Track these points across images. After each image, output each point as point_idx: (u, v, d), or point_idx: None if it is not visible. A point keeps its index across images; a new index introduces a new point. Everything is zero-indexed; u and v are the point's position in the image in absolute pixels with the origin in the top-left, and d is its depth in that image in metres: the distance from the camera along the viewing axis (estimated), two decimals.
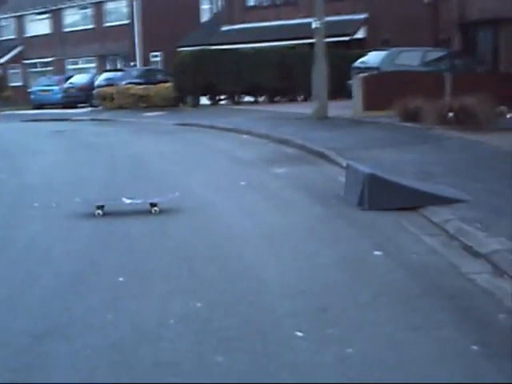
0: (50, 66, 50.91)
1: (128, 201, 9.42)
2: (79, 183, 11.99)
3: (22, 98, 44.36)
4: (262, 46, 32.23)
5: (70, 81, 39.05)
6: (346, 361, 4.47)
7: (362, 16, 33.52)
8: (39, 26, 51.31)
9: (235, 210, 9.40)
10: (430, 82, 20.27)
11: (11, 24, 53.78)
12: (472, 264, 6.46)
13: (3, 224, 9.06)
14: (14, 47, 52.81)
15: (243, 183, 11.28)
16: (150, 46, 45.37)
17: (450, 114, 16.17)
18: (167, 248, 7.43)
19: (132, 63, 44.39)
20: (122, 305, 5.64)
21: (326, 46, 20.84)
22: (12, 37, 53.43)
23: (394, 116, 18.25)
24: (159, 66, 43.83)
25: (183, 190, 10.27)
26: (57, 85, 39.22)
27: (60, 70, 48.76)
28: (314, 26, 20.51)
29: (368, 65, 23.81)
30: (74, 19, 49.93)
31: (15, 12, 52.94)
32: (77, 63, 49.50)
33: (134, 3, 45.26)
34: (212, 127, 21.06)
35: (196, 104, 29.79)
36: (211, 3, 46.98)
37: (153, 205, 9.20)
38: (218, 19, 40.58)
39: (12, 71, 52.38)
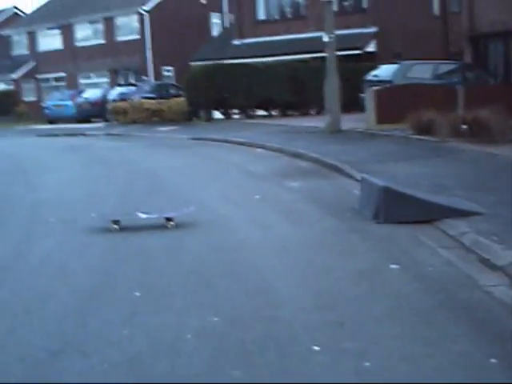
0: (62, 81, 51.09)
1: (143, 215, 9.45)
2: (94, 198, 12.03)
3: (36, 113, 44.54)
4: (272, 60, 32.30)
5: (84, 95, 39.21)
6: (363, 374, 4.47)
7: (372, 29, 33.54)
8: (51, 41, 51.51)
9: (250, 223, 9.41)
10: (443, 95, 20.26)
11: (24, 39, 54.02)
12: (489, 276, 6.44)
13: (19, 239, 9.09)
14: (27, 62, 53.04)
15: (257, 197, 11.29)
16: (161, 60, 45.53)
17: (464, 127, 16.14)
18: (183, 262, 7.44)
19: (145, 78, 44.54)
20: (139, 320, 5.65)
21: (337, 59, 20.88)
22: (25, 52, 53.69)
23: (407, 129, 18.24)
24: (171, 81, 43.93)
25: (198, 204, 10.29)
26: (70, 99, 39.36)
27: (73, 84, 48.94)
28: (324, 39, 20.54)
29: (380, 78, 23.82)
30: (86, 34, 50.15)
31: (28, 28, 53.25)
32: (89, 78, 49.68)
33: (145, 18, 45.45)
34: (225, 141, 21.08)
35: (209, 118, 29.86)
36: (222, 18, 47.23)
37: (168, 219, 9.22)
38: (228, 33, 40.71)
39: (25, 86, 52.63)
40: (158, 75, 45.29)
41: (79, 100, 38.52)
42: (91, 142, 24.61)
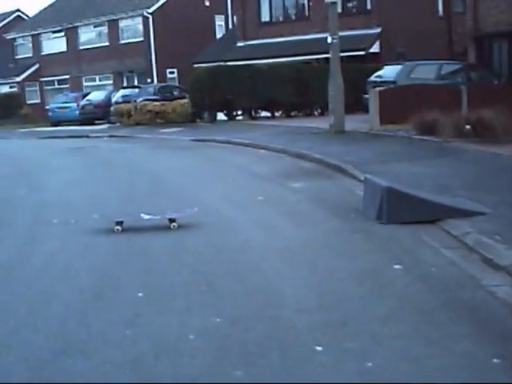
0: (66, 84, 51.17)
1: (147, 216, 9.45)
2: (98, 199, 12.04)
3: (40, 116, 44.64)
4: (276, 62, 32.31)
5: (87, 98, 39.21)
6: (366, 374, 4.46)
7: (376, 30, 33.52)
8: (55, 44, 51.61)
9: (253, 224, 9.41)
10: (446, 95, 20.23)
11: (28, 43, 54.14)
12: (492, 276, 6.43)
13: (23, 240, 9.10)
14: (31, 65, 53.13)
15: (261, 198, 11.28)
16: (165, 62, 45.56)
17: (467, 127, 16.13)
18: (186, 263, 7.44)
19: (148, 80, 44.58)
20: (142, 320, 5.65)
21: (341, 60, 20.87)
22: (29, 55, 53.79)
23: (411, 129, 18.22)
24: (175, 83, 43.96)
25: (201, 205, 10.29)
26: (74, 102, 39.40)
27: (77, 87, 48.99)
28: (329, 40, 20.54)
29: (384, 79, 23.82)
30: (90, 37, 50.23)
31: (31, 31, 53.35)
32: (93, 80, 49.74)
33: (149, 20, 45.52)
34: (229, 142, 21.08)
35: (213, 120, 29.85)
36: (226, 19, 47.26)
37: (171, 220, 9.22)
38: (232, 35, 40.73)
39: (29, 89, 52.73)
40: (161, 77, 45.31)
41: (83, 102, 38.54)
42: (94, 143, 24.62)
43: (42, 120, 42.02)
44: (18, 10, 61.42)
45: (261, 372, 4.56)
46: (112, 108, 33.86)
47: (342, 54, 21.45)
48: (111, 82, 48.25)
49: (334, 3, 20.81)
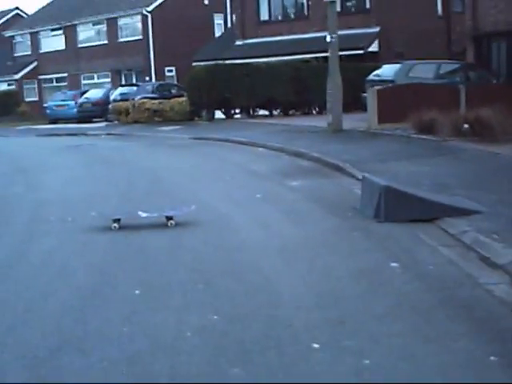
0: (65, 81, 51.16)
1: (144, 214, 9.44)
2: (95, 197, 12.02)
3: (38, 113, 44.59)
4: (275, 60, 32.28)
5: (85, 96, 39.19)
6: (363, 372, 4.46)
7: (375, 30, 33.52)
8: (54, 42, 51.59)
9: (251, 222, 9.40)
10: (445, 95, 20.23)
11: (26, 40, 54.10)
12: (489, 275, 6.43)
13: (20, 238, 9.09)
14: (30, 63, 53.11)
15: (259, 196, 11.28)
16: (164, 60, 45.54)
17: (466, 126, 16.13)
18: (183, 261, 7.43)
19: (147, 78, 44.57)
20: (139, 318, 5.64)
21: (340, 59, 20.86)
22: (27, 53, 53.76)
23: (409, 128, 18.22)
24: (174, 81, 43.95)
25: (199, 203, 10.28)
26: (72, 100, 39.36)
27: (75, 84, 48.97)
28: (328, 39, 20.52)
29: (382, 78, 23.80)
30: (88, 35, 50.21)
31: (30, 29, 53.31)
32: (92, 78, 49.72)
33: (148, 19, 45.50)
34: (227, 141, 21.07)
35: (211, 118, 29.83)
36: (225, 18, 47.22)
37: (169, 218, 9.21)
38: (231, 34, 40.70)
39: (27, 86, 52.71)
40: (160, 75, 45.29)
41: (81, 100, 38.52)
42: (92, 141, 24.59)
43: (40, 118, 41.98)
44: (17, 8, 61.36)
45: (258, 370, 4.56)
46: (110, 106, 33.82)
47: (341, 53, 21.41)
48: (109, 80, 48.23)
49: (333, 2, 20.78)
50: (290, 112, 31.05)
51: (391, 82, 22.94)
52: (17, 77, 52.47)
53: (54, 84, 51.81)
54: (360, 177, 11.04)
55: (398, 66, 24.60)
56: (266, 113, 31.21)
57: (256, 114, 31.12)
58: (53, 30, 51.74)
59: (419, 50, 30.74)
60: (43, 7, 56.88)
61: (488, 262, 6.75)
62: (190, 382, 4.45)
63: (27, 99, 50.80)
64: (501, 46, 26.44)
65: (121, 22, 47.78)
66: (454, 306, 5.65)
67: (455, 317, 5.40)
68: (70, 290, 6.53)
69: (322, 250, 7.75)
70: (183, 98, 30.99)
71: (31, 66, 52.99)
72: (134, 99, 32.58)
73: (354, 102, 24.89)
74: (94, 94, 39.35)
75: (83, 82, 49.90)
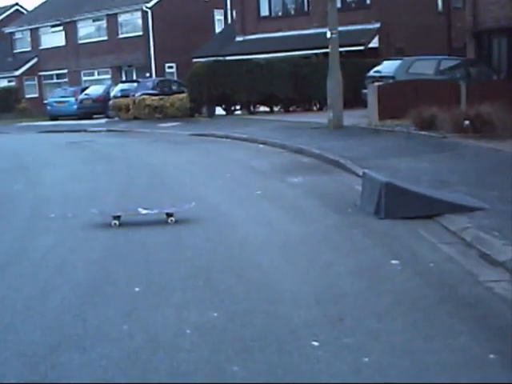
0: (65, 78, 51.17)
1: (144, 211, 9.43)
2: (95, 194, 12.02)
3: (38, 110, 44.60)
4: (275, 56, 32.28)
5: (86, 92, 39.20)
6: (363, 370, 4.44)
7: (375, 25, 33.49)
8: (54, 39, 51.59)
9: (251, 219, 9.40)
10: (445, 91, 20.22)
11: (26, 37, 54.10)
12: (490, 272, 6.42)
13: (20, 235, 9.09)
14: (30, 59, 53.09)
15: (259, 192, 11.27)
16: (164, 57, 45.54)
17: (466, 122, 16.11)
18: (183, 258, 7.42)
19: (147, 74, 44.54)
20: (138, 315, 5.63)
21: (340, 55, 20.84)
22: (27, 49, 53.76)
23: (410, 125, 18.20)
24: (174, 77, 43.93)
25: (199, 200, 10.27)
26: (72, 96, 39.38)
27: (75, 81, 48.98)
28: (328, 35, 20.49)
29: (383, 74, 23.81)
30: (89, 31, 50.22)
31: (30, 25, 53.29)
32: (92, 74, 49.72)
33: (148, 15, 45.48)
34: (227, 137, 21.07)
35: (211, 114, 29.81)
36: (225, 14, 47.18)
37: (169, 215, 9.20)
38: (231, 30, 40.67)
39: (27, 83, 52.69)
40: (160, 72, 45.29)
41: (81, 97, 38.51)
42: (93, 138, 24.59)
43: (41, 114, 42.01)
44: (17, 4, 61.38)
45: (258, 367, 4.55)
46: (110, 102, 33.84)
47: (341, 49, 21.43)
48: (110, 76, 48.23)
49: None
50: (291, 108, 31.05)
51: (391, 78, 22.95)
52: (17, 73, 52.46)
53: (55, 80, 51.82)
54: (360, 173, 11.02)
55: (398, 62, 24.61)
56: (267, 109, 31.23)
57: (256, 110, 31.14)
58: (53, 26, 51.73)
59: (420, 46, 30.74)
60: (43, 3, 56.88)
61: (488, 259, 6.73)
62: (190, 381, 4.43)
63: (27, 96, 50.79)
64: (501, 42, 26.42)
65: (121, 18, 47.77)
66: (454, 303, 5.63)
67: (455, 314, 5.38)
68: (70, 286, 6.53)
69: (322, 246, 7.74)
70: (183, 95, 30.98)
71: (31, 63, 52.97)
72: (134, 95, 32.61)
73: (354, 99, 24.92)
74: (95, 90, 39.35)
75: (83, 78, 49.90)
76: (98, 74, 49.44)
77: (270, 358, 4.67)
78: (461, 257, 7.00)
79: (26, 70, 52.78)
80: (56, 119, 38.16)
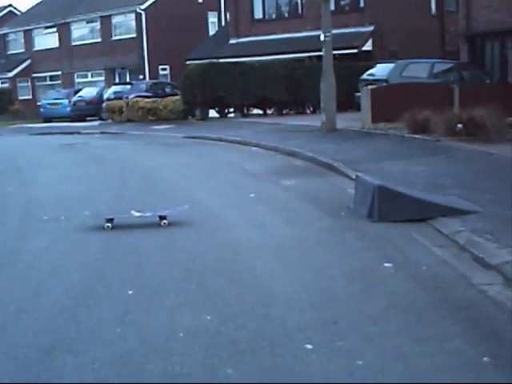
0: (58, 80, 51.12)
1: (137, 214, 9.42)
2: (88, 196, 11.99)
3: (31, 112, 44.53)
4: (269, 59, 32.26)
5: (79, 94, 39.13)
6: (356, 373, 4.45)
7: (369, 28, 33.53)
8: (47, 40, 51.54)
9: (244, 222, 9.39)
10: (438, 94, 20.24)
11: (20, 38, 54.04)
12: (483, 275, 6.43)
13: (13, 237, 9.06)
14: (23, 61, 53.02)
15: (252, 195, 11.27)
16: (158, 59, 45.53)
17: (459, 126, 16.13)
18: (176, 261, 7.41)
19: (141, 76, 44.52)
20: (131, 318, 5.62)
21: (334, 58, 20.86)
22: (21, 51, 53.70)
23: (403, 128, 18.22)
24: (167, 79, 43.92)
25: (192, 203, 10.27)
26: (66, 98, 39.31)
27: (69, 83, 48.93)
28: (321, 38, 20.51)
29: (376, 77, 23.82)
30: (82, 33, 50.18)
31: (23, 26, 53.23)
32: (85, 76, 49.66)
33: (142, 17, 45.46)
34: (221, 140, 21.07)
35: (205, 117, 29.80)
36: (218, 16, 47.18)
37: (162, 218, 9.19)
38: (225, 32, 40.66)
39: (21, 85, 52.60)
40: (154, 74, 45.27)
41: (74, 99, 38.45)
42: (86, 140, 24.55)
43: (34, 116, 41.94)
44: (10, 6, 61.29)
45: (251, 370, 4.54)
46: (104, 104, 33.79)
47: (335, 52, 21.43)
48: (103, 78, 48.16)
49: (327, 1, 20.79)
50: (284, 111, 31.06)
51: (385, 81, 22.97)
52: (10, 75, 52.38)
53: (48, 82, 51.75)
54: (353, 176, 11.03)
55: (391, 65, 24.62)
56: (260, 112, 31.23)
57: (250, 113, 31.13)
58: (46, 27, 51.68)
59: (413, 50, 30.77)
60: (37, 4, 56.83)
61: (481, 262, 6.74)
62: (183, 382, 4.43)
63: (20, 98, 50.69)
64: (494, 46, 26.49)
65: (115, 20, 47.74)
66: (447, 306, 5.64)
67: (448, 317, 5.39)
68: (63, 289, 6.51)
69: (315, 249, 7.74)
70: (177, 97, 30.96)
71: (25, 64, 52.90)
72: (127, 98, 32.55)
73: (347, 102, 24.94)
74: (88, 92, 39.30)
75: (77, 80, 49.84)
76: (92, 76, 49.38)
77: (263, 361, 4.67)
78: (454, 260, 7.01)
79: (20, 72, 52.70)
80: (49, 121, 38.07)
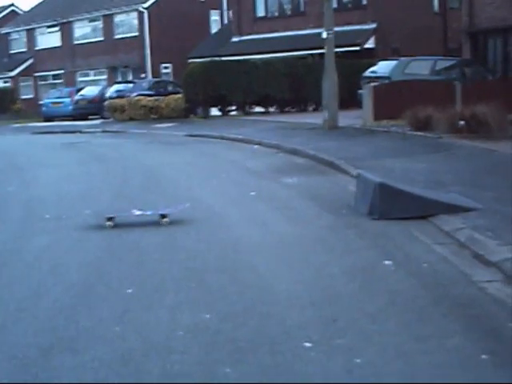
0: (60, 79, 51.15)
1: (138, 212, 9.42)
2: (90, 195, 12.00)
3: (33, 111, 44.53)
4: (271, 57, 32.27)
5: (81, 93, 39.12)
6: (355, 371, 4.44)
7: (371, 26, 33.51)
8: (50, 39, 51.57)
9: (245, 220, 9.38)
10: (441, 91, 20.21)
11: (22, 37, 54.08)
12: (483, 272, 6.42)
13: (14, 235, 9.07)
14: (25, 60, 53.06)
15: (253, 193, 11.26)
16: (160, 57, 45.54)
17: (461, 123, 16.11)
18: (177, 259, 7.41)
19: (143, 75, 44.51)
20: (131, 316, 5.62)
21: (336, 55, 20.85)
22: (23, 50, 53.73)
23: (405, 125, 18.18)
24: (169, 78, 43.91)
25: (194, 201, 10.26)
26: (68, 97, 39.30)
27: (71, 82, 48.94)
28: (324, 36, 20.49)
29: (378, 74, 23.79)
30: (84, 32, 50.20)
31: (26, 25, 53.26)
32: (87, 75, 49.68)
33: (144, 15, 45.46)
34: (222, 138, 21.06)
35: (206, 115, 29.79)
36: (221, 14, 47.19)
37: (163, 216, 9.19)
38: (227, 30, 40.66)
39: (23, 84, 52.63)
40: (156, 72, 45.27)
41: (76, 97, 38.45)
42: (88, 139, 24.57)
43: (36, 115, 41.93)
44: (13, 5, 61.33)
45: (250, 369, 4.54)
46: (106, 103, 33.80)
47: (337, 50, 21.44)
48: (105, 77, 48.18)
49: None
50: (286, 109, 31.04)
51: (387, 78, 22.93)
52: (12, 74, 52.42)
53: (50, 81, 51.79)
54: (355, 174, 11.02)
55: (394, 62, 24.59)
56: (262, 110, 31.20)
57: (252, 110, 31.10)
58: (49, 26, 51.71)
59: (415, 47, 30.74)
60: (39, 4, 56.86)
61: (482, 259, 6.73)
62: (182, 383, 4.42)
63: (23, 97, 50.72)
64: (497, 43, 26.47)
65: (117, 18, 47.76)
66: (447, 303, 5.63)
67: (449, 314, 5.38)
68: (63, 287, 6.52)
69: (316, 247, 7.74)
70: (179, 95, 30.95)
71: (27, 63, 52.93)
72: (129, 96, 32.57)
73: (350, 99, 24.90)
74: (90, 91, 39.30)
75: (79, 79, 49.87)
76: (94, 75, 49.40)
77: (263, 360, 4.66)
78: (454, 257, 6.99)
79: (22, 71, 52.74)
80: (51, 120, 38.10)
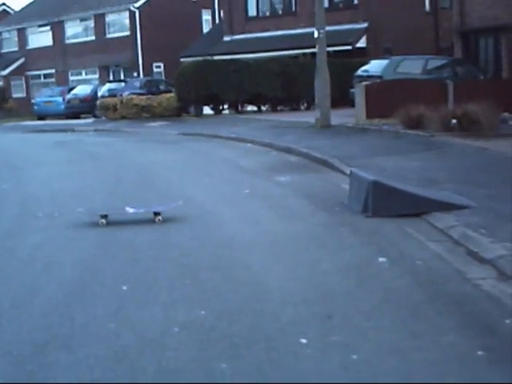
0: (52, 78, 51.02)
1: (131, 210, 9.41)
2: (83, 193, 11.97)
3: (25, 110, 44.42)
4: (263, 56, 32.29)
5: (73, 92, 39.07)
6: (351, 368, 4.44)
7: (363, 25, 33.55)
8: (41, 38, 51.41)
9: (239, 218, 9.38)
10: (433, 90, 20.26)
11: (13, 36, 53.90)
12: (477, 269, 6.42)
13: (7, 234, 9.04)
14: (17, 59, 52.87)
15: (247, 191, 11.26)
16: (152, 56, 45.46)
17: (453, 121, 16.14)
18: (171, 257, 7.40)
19: (135, 74, 44.46)
20: (126, 314, 5.61)
21: (328, 55, 20.86)
22: (14, 49, 53.56)
23: (397, 124, 18.22)
24: (162, 77, 43.86)
25: (187, 199, 10.26)
26: (60, 96, 39.25)
27: (63, 81, 48.81)
28: (315, 34, 20.51)
29: (370, 73, 23.83)
30: (76, 31, 50.08)
31: (17, 25, 53.10)
32: (79, 74, 49.58)
33: (136, 15, 45.38)
34: (215, 136, 21.06)
35: (199, 114, 29.78)
36: (212, 14, 47.16)
37: (156, 214, 9.18)
38: (219, 30, 40.65)
39: (15, 83, 52.47)
40: (148, 71, 45.22)
41: (69, 96, 38.40)
42: (80, 137, 24.54)
43: (28, 114, 41.84)
44: (4, 4, 61.13)
45: (245, 365, 4.53)
46: (98, 102, 33.75)
47: (329, 49, 21.47)
48: (97, 76, 48.08)
49: None
50: (279, 108, 31.07)
51: (379, 77, 22.98)
52: (4, 73, 52.23)
53: (42, 80, 51.64)
54: (348, 172, 11.03)
55: (385, 61, 24.66)
56: (255, 108, 31.24)
57: (244, 109, 31.15)
58: (40, 26, 51.53)
59: (407, 46, 30.82)
60: (30, 3, 56.65)
61: (476, 256, 6.74)
62: (177, 380, 4.41)
63: (14, 95, 50.54)
64: (488, 42, 26.54)
65: (108, 18, 47.65)
66: (442, 300, 5.63)
67: (443, 311, 5.38)
68: (57, 285, 6.50)
69: (309, 245, 7.74)
70: (171, 94, 30.94)
71: (18, 63, 52.75)
72: (121, 95, 32.56)
73: (342, 98, 24.93)
74: (82, 90, 39.24)
75: (71, 78, 49.74)
76: (86, 74, 49.30)
77: (258, 356, 4.65)
78: (448, 254, 7.00)
79: (13, 70, 52.55)
80: (43, 119, 38.04)
